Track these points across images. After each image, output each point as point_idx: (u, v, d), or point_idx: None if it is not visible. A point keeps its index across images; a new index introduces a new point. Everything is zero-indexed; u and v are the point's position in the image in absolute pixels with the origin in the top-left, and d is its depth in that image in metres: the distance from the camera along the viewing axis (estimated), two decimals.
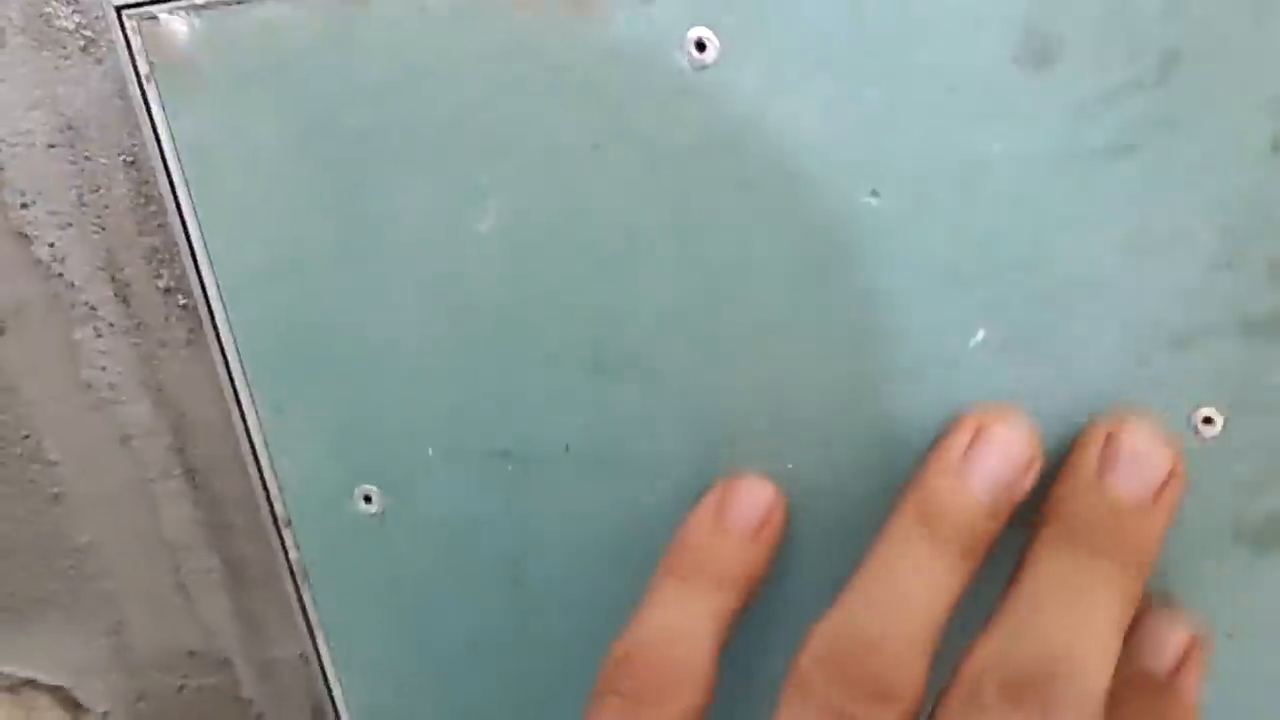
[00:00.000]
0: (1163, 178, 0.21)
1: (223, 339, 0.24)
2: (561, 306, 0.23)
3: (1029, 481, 0.21)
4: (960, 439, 0.21)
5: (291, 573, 0.26)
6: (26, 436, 0.26)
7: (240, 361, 0.24)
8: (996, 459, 0.21)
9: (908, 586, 0.21)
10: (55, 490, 0.27)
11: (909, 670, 0.21)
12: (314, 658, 0.27)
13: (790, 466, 0.23)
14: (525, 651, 0.26)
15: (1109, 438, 0.21)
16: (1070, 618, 0.20)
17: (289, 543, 0.26)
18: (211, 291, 0.24)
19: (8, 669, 0.29)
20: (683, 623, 0.22)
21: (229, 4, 0.22)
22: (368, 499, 0.25)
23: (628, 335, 0.23)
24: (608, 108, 0.21)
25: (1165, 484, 0.21)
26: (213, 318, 0.24)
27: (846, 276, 0.22)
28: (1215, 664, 0.23)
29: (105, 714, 0.30)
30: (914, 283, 0.22)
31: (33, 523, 0.27)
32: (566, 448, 0.24)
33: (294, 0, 0.22)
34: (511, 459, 0.24)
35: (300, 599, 0.27)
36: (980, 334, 0.22)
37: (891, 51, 0.20)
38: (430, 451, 0.25)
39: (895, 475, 0.23)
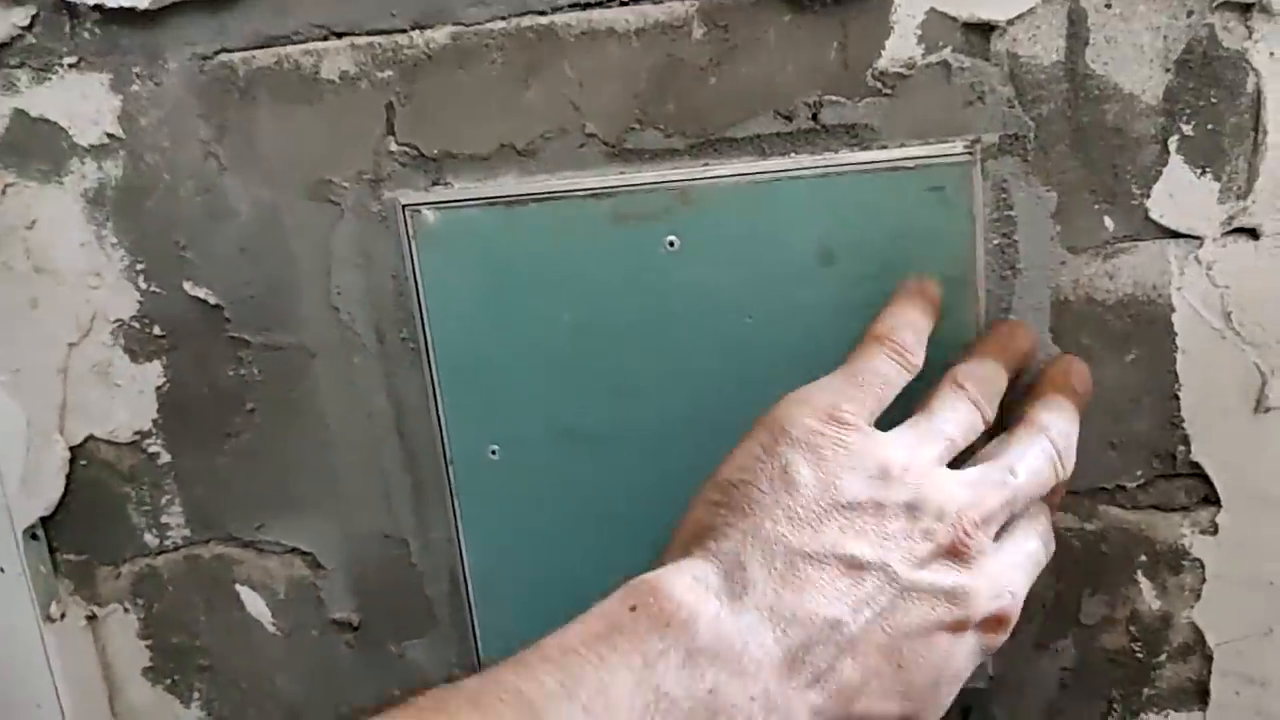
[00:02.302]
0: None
1: (430, 365, 0.51)
2: (598, 360, 0.50)
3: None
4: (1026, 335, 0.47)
5: (450, 491, 0.53)
6: (318, 409, 0.53)
7: (436, 377, 0.51)
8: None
9: (997, 372, 0.44)
10: (327, 440, 0.54)
11: (998, 397, 0.44)
12: (455, 541, 0.54)
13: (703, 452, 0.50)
14: (575, 540, 0.52)
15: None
16: (1071, 416, 0.44)
17: (450, 474, 0.53)
18: (427, 342, 0.51)
19: (283, 541, 0.56)
20: None
21: (454, 206, 0.49)
22: (494, 451, 0.52)
23: (628, 378, 0.50)
24: (627, 269, 0.48)
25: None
26: (427, 356, 0.51)
27: (736, 359, 0.49)
28: None
29: (333, 569, 0.56)
30: (769, 361, 0.48)
31: (311, 457, 0.54)
32: (597, 433, 0.51)
33: (485, 206, 0.49)
34: (569, 436, 0.51)
35: (453, 507, 0.53)
36: None
37: (765, 252, 0.47)
38: (527, 429, 0.51)
39: None
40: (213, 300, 0.52)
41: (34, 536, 0.57)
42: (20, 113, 0.51)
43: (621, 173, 0.48)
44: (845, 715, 0.37)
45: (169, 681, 0.60)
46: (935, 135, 0.46)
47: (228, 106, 0.50)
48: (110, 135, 0.51)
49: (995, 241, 0.47)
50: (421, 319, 0.50)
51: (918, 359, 0.43)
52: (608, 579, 0.52)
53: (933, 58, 0.45)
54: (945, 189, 0.46)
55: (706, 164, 0.47)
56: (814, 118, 0.46)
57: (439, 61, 0.48)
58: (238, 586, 0.57)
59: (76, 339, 0.54)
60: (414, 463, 0.53)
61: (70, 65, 0.50)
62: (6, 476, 0.56)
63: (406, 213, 0.49)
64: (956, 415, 0.42)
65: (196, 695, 0.60)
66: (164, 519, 0.56)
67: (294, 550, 0.56)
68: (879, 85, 0.46)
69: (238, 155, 0.50)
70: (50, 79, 0.50)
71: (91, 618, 0.59)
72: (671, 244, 0.48)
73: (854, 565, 0.38)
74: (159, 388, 0.54)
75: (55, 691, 0.59)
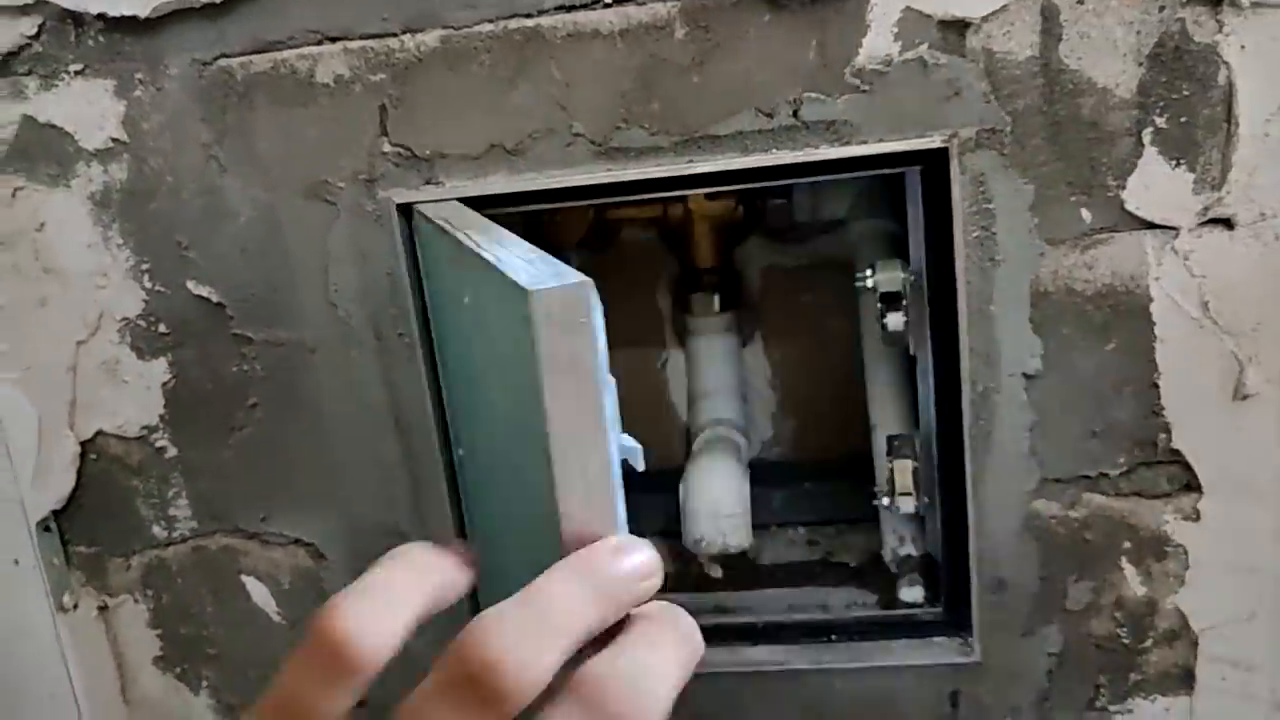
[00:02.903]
0: None
1: (426, 361, 0.53)
2: None
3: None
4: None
5: (448, 483, 0.55)
6: (318, 404, 0.55)
7: (432, 372, 0.53)
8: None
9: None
10: (328, 433, 0.56)
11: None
12: (454, 532, 0.55)
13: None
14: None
15: None
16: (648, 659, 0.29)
17: (448, 468, 0.54)
18: (422, 337, 0.52)
19: (286, 532, 0.58)
20: None
21: (446, 203, 0.50)
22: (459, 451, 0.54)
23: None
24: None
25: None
26: (423, 351, 0.53)
27: None
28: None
29: (335, 560, 0.58)
30: None
31: (312, 451, 0.56)
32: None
33: (478, 203, 0.50)
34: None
35: (451, 500, 0.55)
36: None
37: None
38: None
39: None
40: (215, 298, 0.54)
41: (46, 529, 0.59)
42: (29, 119, 0.53)
43: (609, 169, 0.49)
44: None
45: (179, 670, 0.62)
46: (913, 130, 0.47)
47: (227, 110, 0.52)
48: (115, 140, 0.53)
49: (974, 234, 0.48)
50: (417, 315, 0.52)
51: None
52: None
53: (909, 54, 0.47)
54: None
55: (691, 160, 0.49)
56: (795, 114, 0.48)
57: (429, 64, 0.49)
58: (243, 577, 0.59)
59: (85, 337, 0.56)
60: (412, 456, 0.55)
61: (76, 72, 0.52)
62: (19, 471, 0.58)
63: (400, 211, 0.51)
64: None
65: (205, 683, 0.62)
66: (171, 511, 0.59)
67: (297, 541, 0.58)
68: (857, 82, 0.47)
69: (237, 157, 0.52)
70: (57, 85, 0.52)
71: (103, 608, 0.61)
72: None
73: None
74: (165, 384, 0.56)
75: (69, 680, 0.61)
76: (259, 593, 0.59)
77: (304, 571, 0.58)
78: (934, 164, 0.48)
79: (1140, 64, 0.46)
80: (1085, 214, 0.48)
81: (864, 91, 0.47)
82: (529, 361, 0.30)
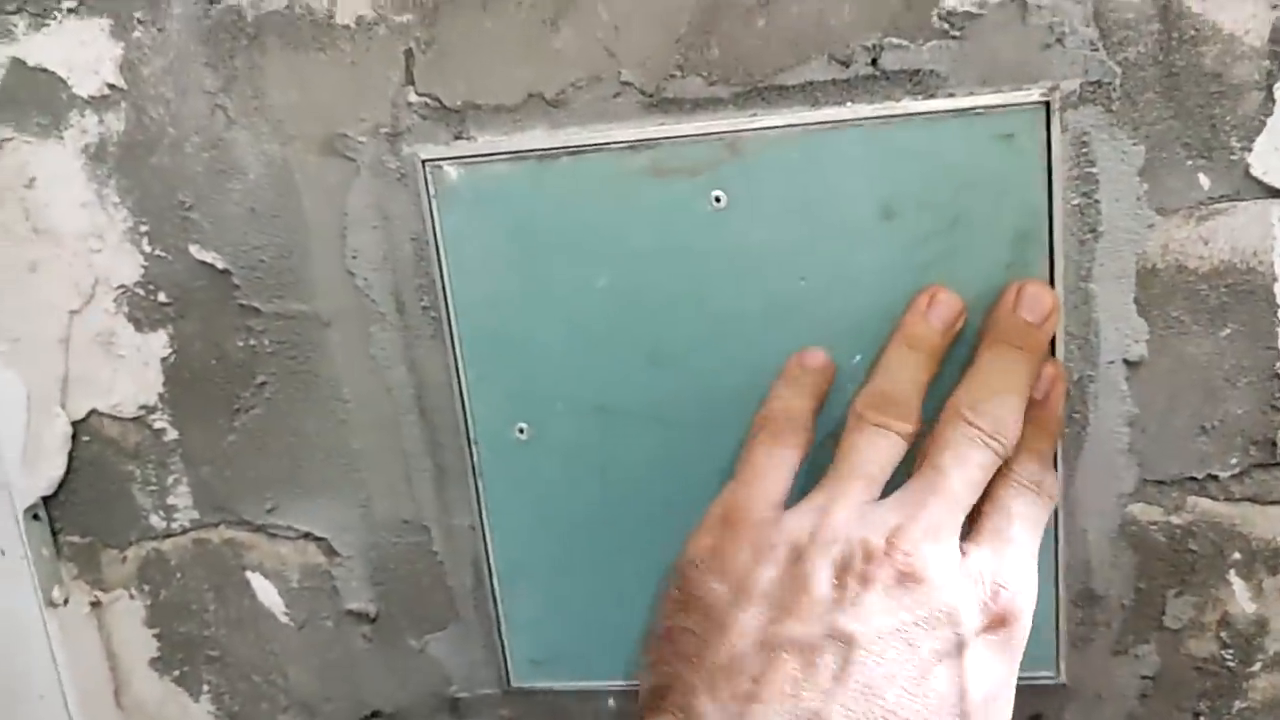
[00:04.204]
0: (952, 279, 0.44)
1: (452, 336, 0.48)
2: (635, 329, 0.46)
3: (960, 321, 0.44)
4: (923, 300, 0.44)
5: (473, 473, 0.50)
6: (333, 384, 0.51)
7: (459, 349, 0.48)
8: (941, 311, 0.44)
9: (903, 371, 0.43)
10: (344, 417, 0.51)
11: (910, 404, 0.42)
12: (479, 528, 0.51)
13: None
14: (610, 526, 0.49)
15: (1019, 288, 0.43)
16: (1003, 378, 0.42)
17: (474, 455, 0.50)
18: (449, 310, 0.48)
19: (296, 525, 0.53)
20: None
21: (478, 161, 0.46)
22: (521, 430, 0.49)
23: (669, 347, 0.46)
24: (668, 228, 0.45)
25: (1050, 313, 0.43)
26: (449, 325, 0.48)
27: (787, 325, 0.45)
28: None
29: (349, 557, 0.53)
30: (825, 327, 0.45)
31: (326, 435, 0.52)
32: (634, 407, 0.48)
33: (511, 160, 0.46)
34: (603, 412, 0.48)
35: (476, 490, 0.50)
36: (858, 357, 0.45)
37: (821, 208, 0.44)
38: (558, 405, 0.48)
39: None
40: (220, 265, 0.50)
41: (35, 517, 0.55)
42: (17, 62, 0.49)
43: (660, 124, 0.45)
44: None
45: (177, 673, 0.57)
46: (1008, 82, 0.43)
47: (235, 54, 0.47)
48: (111, 86, 0.48)
49: (1074, 201, 0.43)
50: (443, 285, 0.48)
51: (800, 438, 0.43)
52: (643, 569, 0.49)
53: None
54: (1015, 136, 0.43)
55: (754, 114, 0.44)
56: (873, 63, 0.43)
57: (461, 4, 0.45)
58: (248, 573, 0.55)
59: (78, 306, 0.52)
60: (436, 443, 0.50)
61: (69, 10, 0.48)
62: (6, 453, 0.54)
63: (427, 169, 0.46)
64: (863, 453, 0.41)
65: (206, 688, 0.57)
66: (170, 500, 0.54)
67: (307, 535, 0.53)
68: (946, 26, 0.42)
69: (246, 107, 0.48)
70: (48, 25, 0.48)
71: (96, 604, 0.57)
72: (717, 200, 0.45)
73: (800, 648, 0.36)
74: (164, 359, 0.52)
75: (59, 681, 0.57)
76: (265, 591, 0.55)
77: (314, 569, 0.54)
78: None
79: (1274, 7, 0.40)
80: (1203, 180, 0.43)
81: (953, 37, 0.42)
82: None
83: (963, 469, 0.40)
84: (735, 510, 0.42)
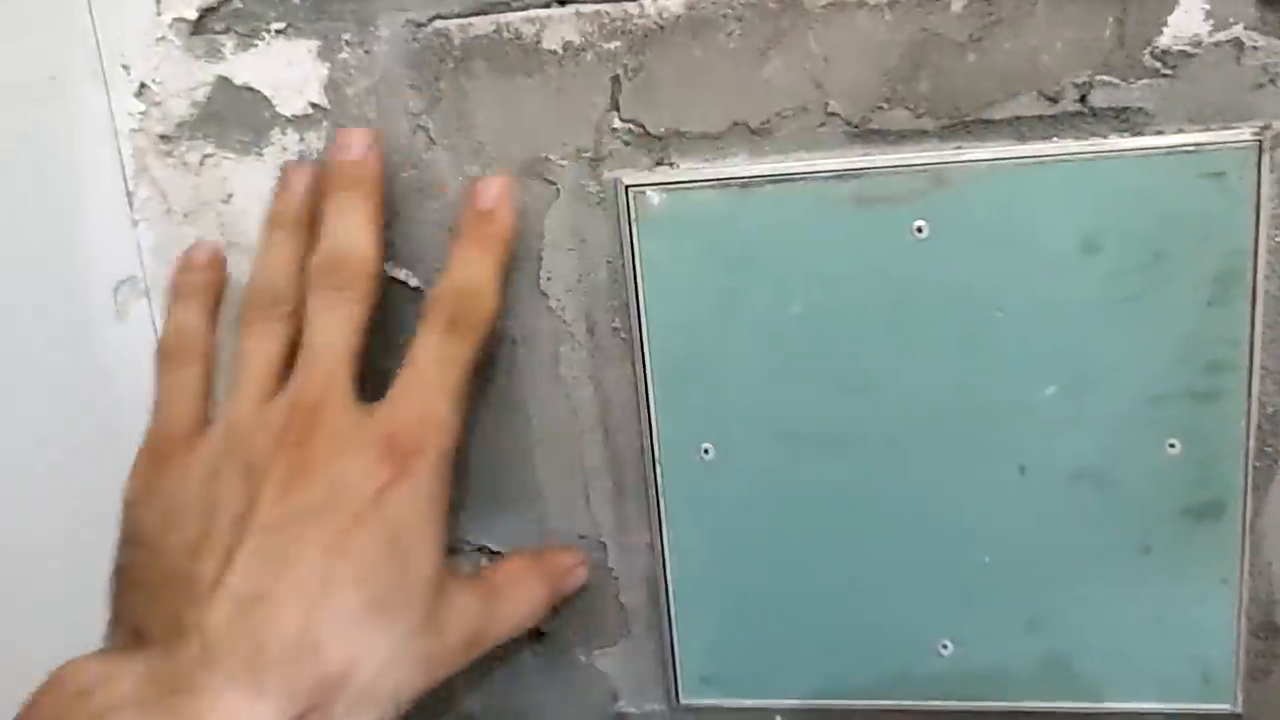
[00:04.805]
0: (1152, 315, 0.45)
1: (643, 357, 0.49)
2: (828, 356, 0.47)
3: (314, 187, 0.48)
4: (280, 182, 0.49)
5: (655, 492, 0.51)
6: (519, 401, 0.52)
7: (648, 371, 0.49)
8: (295, 181, 0.48)
9: (275, 256, 0.47)
10: (527, 434, 0.52)
11: (283, 288, 0.46)
12: (658, 545, 0.52)
13: (944, 454, 0.47)
14: (788, 548, 0.50)
15: (337, 135, 0.47)
16: (344, 223, 0.45)
17: (656, 474, 0.51)
18: (641, 333, 0.49)
19: (471, 539, 0.54)
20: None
21: (681, 187, 0.47)
22: (706, 451, 0.50)
23: (861, 375, 0.47)
24: (868, 257, 0.46)
25: (369, 147, 0.47)
26: (640, 347, 0.49)
27: (982, 355, 0.46)
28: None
29: None
30: (1020, 359, 0.46)
31: (509, 451, 0.53)
32: (823, 432, 0.49)
33: (713, 188, 0.47)
34: (790, 437, 0.49)
35: (657, 509, 0.51)
36: (1051, 389, 0.46)
37: (1022, 241, 0.45)
38: (745, 428, 0.49)
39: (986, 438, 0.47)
40: (413, 282, 0.51)
41: None
42: (223, 80, 0.50)
43: (865, 154, 0.46)
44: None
45: None
46: (1217, 121, 0.43)
47: (441, 77, 0.48)
48: (314, 105, 0.50)
49: (1279, 239, 0.44)
50: (636, 308, 0.49)
51: (195, 354, 0.48)
52: (818, 592, 0.50)
53: (1221, 35, 0.42)
54: (1226, 175, 0.43)
55: (959, 147, 0.45)
56: (1082, 99, 0.44)
57: (671, 32, 0.46)
58: None
59: None
60: (618, 461, 0.52)
61: (278, 31, 0.49)
62: None
63: (630, 194, 0.47)
64: (252, 353, 0.45)
65: None
66: None
67: (482, 549, 0.54)
68: (1158, 65, 0.43)
69: (448, 129, 0.49)
70: (256, 45, 0.49)
71: None
72: (919, 230, 0.46)
73: (223, 548, 0.40)
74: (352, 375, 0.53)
75: None
76: None
77: None
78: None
79: None
80: None
81: (1164, 76, 0.43)
82: None
83: (328, 332, 0.44)
84: (155, 445, 0.45)
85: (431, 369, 0.44)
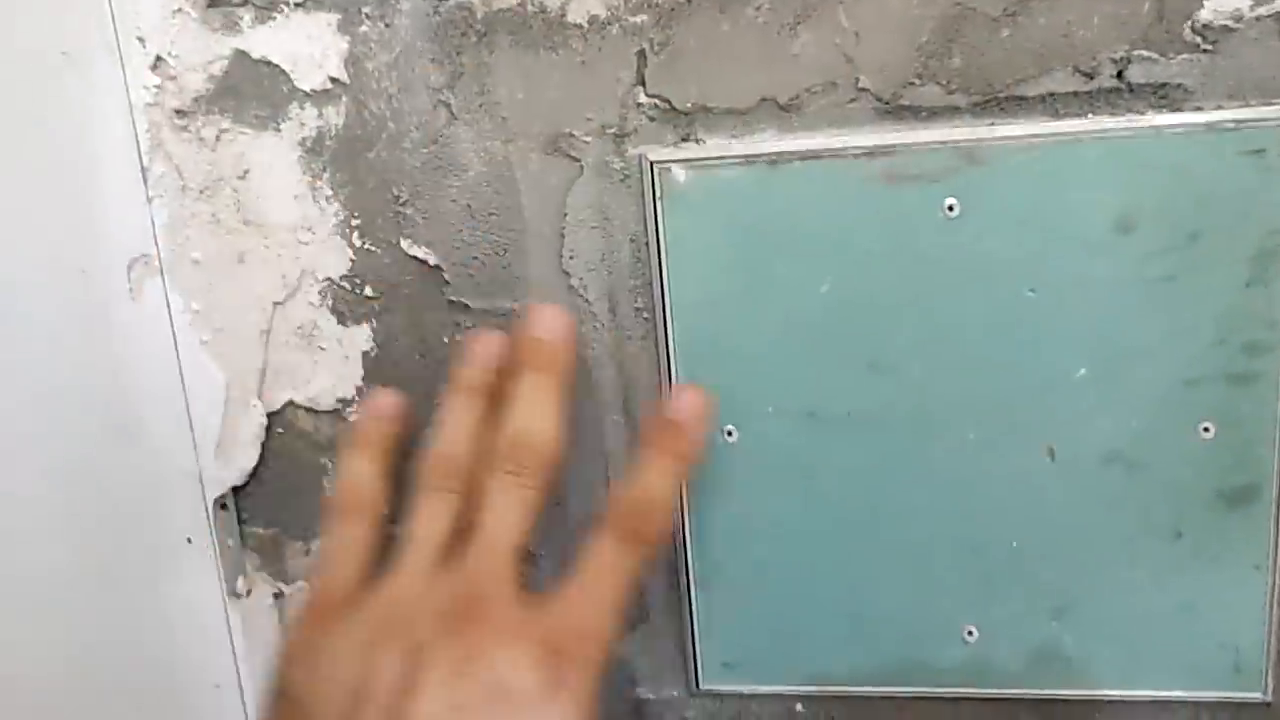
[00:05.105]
0: (1188, 295, 0.44)
1: (666, 338, 0.48)
2: (856, 336, 0.47)
3: (500, 350, 0.48)
4: (468, 350, 0.48)
5: None
6: None
7: (671, 352, 0.49)
8: (482, 351, 0.48)
9: (448, 423, 0.47)
10: None
11: (462, 461, 0.46)
12: (679, 528, 0.51)
13: (971, 436, 0.47)
14: (812, 532, 0.49)
15: (529, 312, 0.47)
16: (525, 405, 0.45)
17: None
18: (665, 312, 0.48)
19: None
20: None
21: (707, 164, 0.46)
22: (729, 433, 0.49)
23: (889, 355, 0.46)
24: (897, 235, 0.45)
25: (565, 327, 0.46)
26: (663, 327, 0.48)
27: (1013, 336, 0.45)
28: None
29: (542, 554, 0.53)
30: (1051, 339, 0.45)
31: None
32: (848, 414, 0.48)
33: (740, 164, 0.46)
34: (815, 418, 0.48)
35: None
36: (1082, 370, 0.45)
37: (1055, 219, 0.44)
38: (769, 409, 0.48)
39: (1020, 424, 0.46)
40: (432, 260, 0.50)
41: (224, 507, 0.55)
42: (241, 54, 0.49)
43: (896, 131, 0.45)
44: None
45: None
46: (1257, 97, 0.42)
47: (463, 51, 0.47)
48: (334, 80, 0.49)
49: None
50: (660, 287, 0.48)
51: (364, 511, 0.48)
52: (842, 576, 0.49)
53: (1264, 9, 0.42)
54: (1266, 152, 0.42)
55: (992, 124, 0.44)
56: (1118, 75, 0.43)
57: (699, 6, 0.45)
58: None
59: (282, 298, 0.52)
60: (639, 444, 0.50)
61: (296, 4, 0.48)
62: (200, 442, 0.54)
63: (655, 170, 0.46)
64: (424, 521, 0.45)
65: None
66: None
67: None
68: (1198, 40, 0.42)
69: (470, 104, 0.48)
70: (274, 18, 0.48)
71: (279, 595, 0.57)
72: (950, 209, 0.45)
73: None
74: (366, 353, 0.52)
75: (236, 672, 0.57)
76: None
77: None
78: None
79: None
80: None
81: (1204, 51, 0.42)
82: None
83: (502, 517, 0.43)
84: (317, 602, 0.45)
85: (601, 579, 0.43)
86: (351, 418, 0.53)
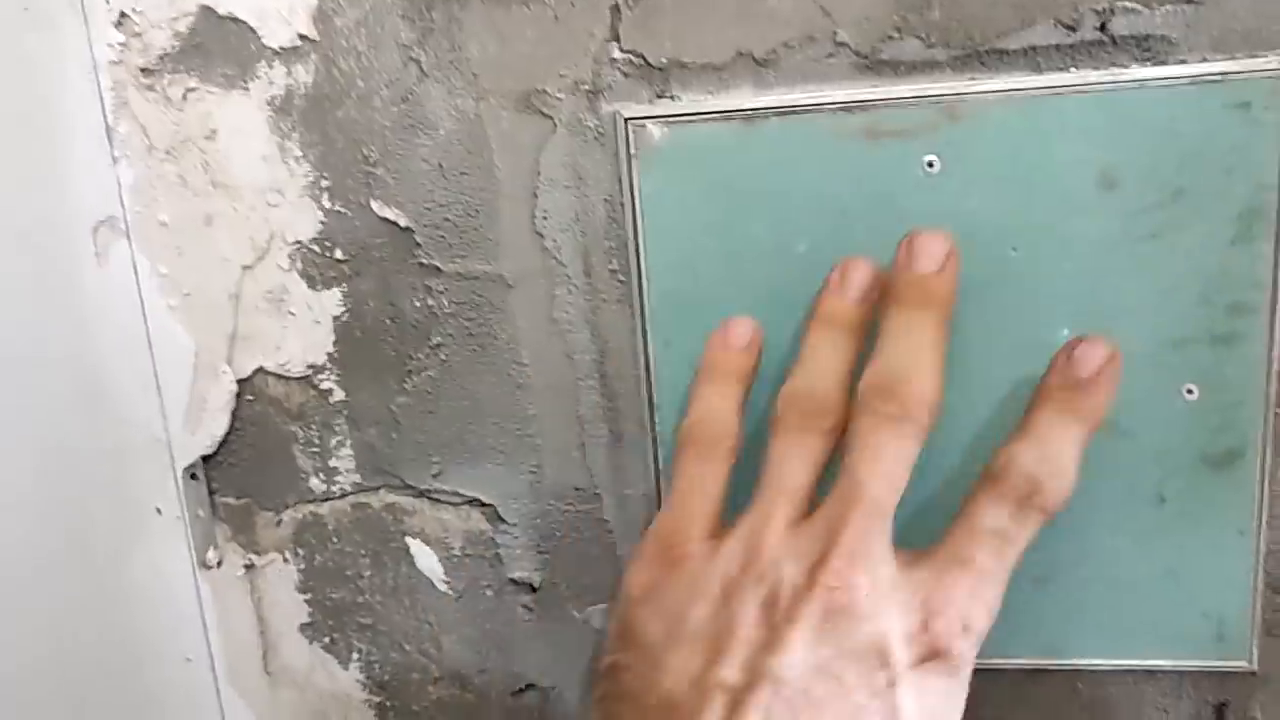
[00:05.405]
0: (1172, 254, 0.43)
1: (641, 301, 0.47)
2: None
3: (874, 289, 0.42)
4: (835, 276, 0.43)
5: (654, 441, 0.49)
6: (512, 347, 0.50)
7: (646, 315, 0.47)
8: (855, 280, 0.43)
9: (819, 359, 0.42)
10: (520, 381, 0.50)
11: (833, 399, 0.41)
12: (656, 497, 0.50)
13: (952, 399, 0.46)
14: None
15: (908, 241, 0.41)
16: (907, 345, 0.39)
17: (655, 421, 0.49)
18: (640, 274, 0.47)
19: (462, 491, 0.52)
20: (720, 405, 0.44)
21: (682, 121, 0.45)
22: None
23: None
24: (877, 193, 0.44)
25: (948, 257, 0.41)
26: (639, 289, 0.47)
27: (995, 295, 0.44)
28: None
29: (515, 524, 0.52)
30: (1034, 299, 0.44)
31: (501, 400, 0.51)
32: None
33: (716, 120, 0.45)
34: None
35: (655, 459, 0.49)
36: (1065, 331, 0.44)
37: (1038, 176, 0.43)
38: None
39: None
40: (403, 222, 0.49)
41: (193, 477, 0.54)
42: (206, 10, 0.48)
43: (875, 86, 0.44)
44: None
45: (327, 640, 0.57)
46: (1243, 50, 0.41)
47: (434, 6, 0.46)
48: (303, 37, 0.47)
49: None
50: (636, 248, 0.47)
51: (724, 447, 0.43)
52: None
53: None
54: (1252, 106, 0.41)
55: (973, 78, 0.43)
56: (1101, 28, 0.42)
57: None
58: (408, 539, 0.54)
59: (251, 262, 0.51)
60: (614, 409, 0.50)
61: None
62: (169, 410, 0.53)
63: (629, 127, 0.45)
64: (786, 464, 0.41)
65: (356, 656, 0.57)
66: (332, 463, 0.53)
67: (473, 501, 0.53)
68: None
69: (441, 61, 0.47)
70: None
71: (250, 567, 0.56)
72: (930, 165, 0.44)
73: (730, 690, 0.36)
74: (336, 317, 0.51)
75: (207, 644, 0.56)
76: (424, 558, 0.54)
77: (477, 536, 0.53)
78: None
79: None
80: None
81: (1189, 2, 0.41)
82: None
83: (877, 465, 0.38)
84: (667, 541, 0.42)
85: (988, 546, 0.38)
86: (323, 385, 0.52)
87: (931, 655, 0.37)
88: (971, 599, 0.38)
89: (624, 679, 0.40)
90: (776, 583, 0.38)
